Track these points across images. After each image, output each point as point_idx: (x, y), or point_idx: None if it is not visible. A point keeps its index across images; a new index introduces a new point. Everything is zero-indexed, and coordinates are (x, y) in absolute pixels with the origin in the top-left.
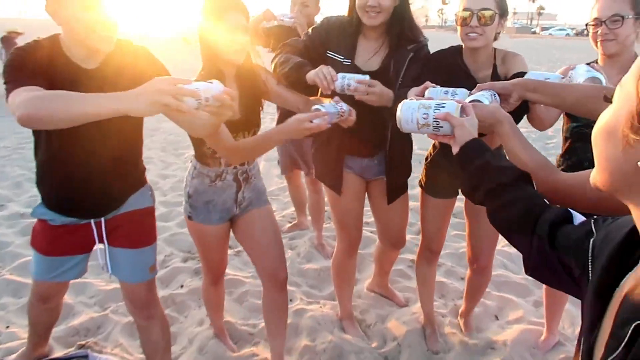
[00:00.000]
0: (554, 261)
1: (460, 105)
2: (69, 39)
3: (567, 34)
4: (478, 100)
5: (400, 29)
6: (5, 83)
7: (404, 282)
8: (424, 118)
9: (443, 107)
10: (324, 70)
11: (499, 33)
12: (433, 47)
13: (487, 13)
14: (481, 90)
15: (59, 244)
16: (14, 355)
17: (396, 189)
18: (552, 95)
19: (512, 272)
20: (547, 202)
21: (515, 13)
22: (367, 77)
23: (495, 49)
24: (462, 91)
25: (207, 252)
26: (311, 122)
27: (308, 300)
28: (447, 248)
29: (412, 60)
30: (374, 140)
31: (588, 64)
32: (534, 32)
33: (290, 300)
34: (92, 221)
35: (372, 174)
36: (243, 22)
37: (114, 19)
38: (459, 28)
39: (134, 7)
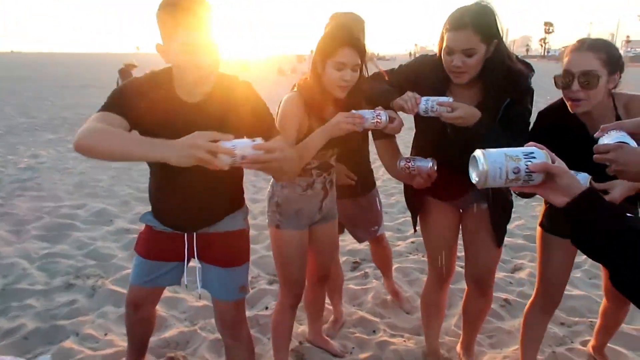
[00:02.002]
0: None
1: (546, 152)
2: (177, 72)
3: None
4: (623, 142)
5: (495, 80)
6: None
7: (496, 323)
8: (514, 172)
9: (534, 157)
10: (409, 93)
11: (615, 86)
12: (534, 79)
13: (590, 77)
14: (606, 131)
15: (157, 248)
16: None
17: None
18: None
19: (624, 323)
20: None
21: (628, 41)
22: (450, 99)
23: (613, 95)
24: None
25: (291, 264)
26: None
27: (392, 333)
28: None
29: (508, 107)
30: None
31: None
32: None
33: (373, 331)
34: (185, 235)
35: (467, 202)
36: (356, 60)
37: (216, 41)
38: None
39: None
